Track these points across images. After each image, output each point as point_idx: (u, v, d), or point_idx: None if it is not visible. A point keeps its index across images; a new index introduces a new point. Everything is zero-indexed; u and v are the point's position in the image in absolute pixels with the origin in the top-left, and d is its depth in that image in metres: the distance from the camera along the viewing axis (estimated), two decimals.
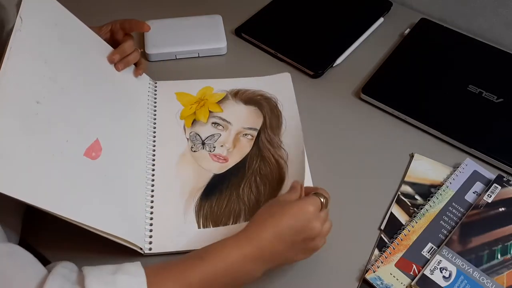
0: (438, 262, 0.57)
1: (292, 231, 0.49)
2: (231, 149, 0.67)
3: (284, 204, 0.51)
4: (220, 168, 0.66)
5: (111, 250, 0.56)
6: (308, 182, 0.65)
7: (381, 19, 0.89)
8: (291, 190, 0.55)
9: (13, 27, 0.50)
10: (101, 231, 0.51)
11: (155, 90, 0.75)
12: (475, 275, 0.56)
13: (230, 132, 0.69)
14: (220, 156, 0.66)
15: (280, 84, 0.77)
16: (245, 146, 0.68)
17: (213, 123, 0.70)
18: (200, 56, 0.82)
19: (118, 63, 0.68)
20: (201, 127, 0.70)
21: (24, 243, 0.55)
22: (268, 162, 0.66)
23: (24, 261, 0.42)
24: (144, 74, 0.74)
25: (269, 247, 0.49)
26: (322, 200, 0.52)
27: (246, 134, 0.69)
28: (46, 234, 0.58)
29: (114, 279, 0.43)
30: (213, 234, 0.60)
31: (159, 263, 0.48)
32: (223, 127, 0.69)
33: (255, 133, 0.69)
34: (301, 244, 0.50)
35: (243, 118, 0.71)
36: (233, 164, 0.66)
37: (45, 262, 0.57)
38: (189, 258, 0.48)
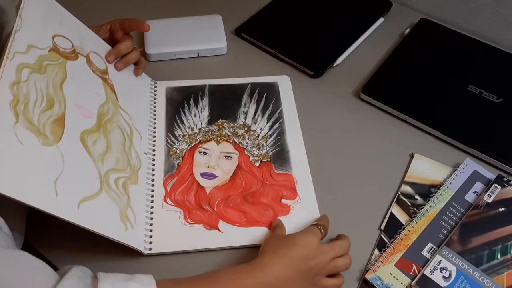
0: (438, 262, 0.57)
1: (301, 258, 0.52)
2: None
3: (290, 236, 0.55)
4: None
5: (112, 250, 0.56)
6: (308, 182, 0.65)
7: (381, 19, 0.89)
8: (279, 228, 0.59)
9: (12, 28, 0.50)
10: (100, 234, 0.51)
11: (155, 90, 0.75)
12: (475, 275, 0.56)
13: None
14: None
15: (279, 87, 0.77)
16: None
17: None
18: (200, 56, 0.82)
19: (117, 62, 0.68)
20: None
21: (25, 244, 0.55)
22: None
23: (35, 266, 0.43)
24: (144, 74, 0.74)
25: (281, 275, 0.50)
26: (322, 230, 0.56)
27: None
28: (47, 235, 0.58)
29: (126, 286, 0.45)
30: (213, 234, 0.60)
31: (170, 279, 0.49)
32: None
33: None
34: (309, 273, 0.52)
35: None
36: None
37: (46, 262, 0.58)
38: (202, 278, 0.50)
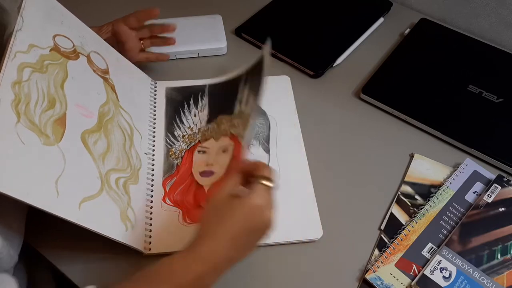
0: (438, 262, 0.57)
1: (248, 232, 0.46)
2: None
3: (232, 204, 0.46)
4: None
5: (111, 250, 0.56)
6: (308, 182, 0.65)
7: (381, 19, 0.89)
8: (229, 178, 0.49)
9: (14, 28, 0.50)
10: (101, 234, 0.51)
11: (155, 90, 0.75)
12: (475, 275, 0.56)
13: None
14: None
15: (279, 87, 0.77)
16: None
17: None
18: (200, 56, 0.82)
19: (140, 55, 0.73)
20: None
21: (25, 244, 0.55)
22: None
23: None
24: (144, 74, 0.74)
25: (225, 258, 0.45)
26: (266, 183, 0.47)
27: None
28: (47, 235, 0.58)
29: None
30: None
31: (113, 284, 0.44)
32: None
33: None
34: (258, 239, 0.47)
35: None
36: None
37: (45, 262, 0.58)
38: (135, 281, 0.44)
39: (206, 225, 0.46)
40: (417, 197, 0.65)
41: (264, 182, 0.47)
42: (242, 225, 0.45)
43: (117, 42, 0.69)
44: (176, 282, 0.43)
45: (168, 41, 0.76)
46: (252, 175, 0.48)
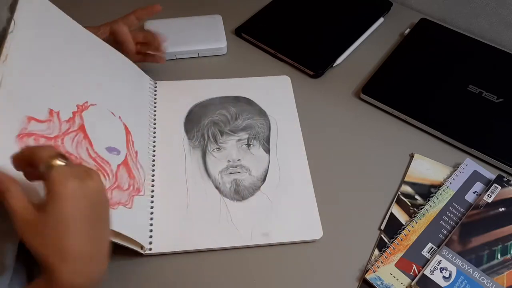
0: (438, 262, 0.57)
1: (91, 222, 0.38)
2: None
3: (41, 219, 0.37)
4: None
5: (111, 251, 0.56)
6: (308, 182, 0.65)
7: (381, 19, 0.89)
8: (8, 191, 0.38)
9: (4, 29, 0.50)
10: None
11: (155, 90, 0.75)
12: (475, 275, 0.56)
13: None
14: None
15: (279, 86, 0.77)
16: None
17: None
18: (200, 56, 0.82)
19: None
20: None
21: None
22: None
23: None
24: (144, 74, 0.74)
25: (74, 274, 0.37)
26: (60, 163, 0.38)
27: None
28: None
29: None
30: (214, 235, 0.60)
31: None
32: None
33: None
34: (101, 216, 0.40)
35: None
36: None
37: None
38: None
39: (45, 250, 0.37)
40: (417, 197, 0.65)
41: (58, 162, 0.38)
42: (73, 227, 0.37)
43: (115, 42, 0.69)
44: None
45: (156, 59, 0.74)
46: (34, 163, 0.38)
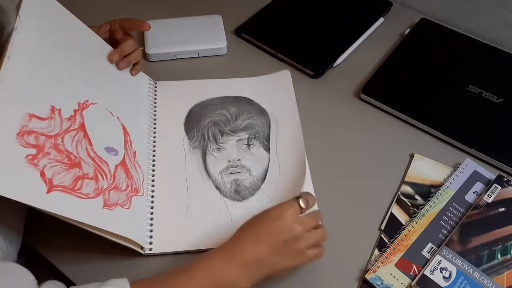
0: (438, 262, 0.57)
1: (270, 232, 0.50)
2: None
3: (263, 212, 0.52)
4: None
5: (111, 251, 0.56)
6: (308, 182, 0.65)
7: (381, 19, 0.89)
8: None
9: (13, 28, 0.50)
10: (104, 231, 0.51)
11: (155, 90, 0.75)
12: (475, 275, 0.56)
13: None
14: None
15: (280, 83, 0.77)
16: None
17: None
18: (200, 56, 0.82)
19: (119, 61, 0.67)
20: None
21: (25, 244, 0.55)
22: None
23: (19, 279, 0.44)
24: (144, 74, 0.74)
25: (251, 252, 0.49)
26: (300, 202, 0.52)
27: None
28: (47, 235, 0.58)
29: None
30: (213, 235, 0.60)
31: (144, 278, 0.49)
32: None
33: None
34: (283, 247, 0.50)
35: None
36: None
37: (45, 262, 0.58)
38: (176, 274, 0.49)
39: (241, 228, 0.52)
40: (417, 197, 0.65)
41: (299, 200, 0.52)
42: (266, 223, 0.50)
43: (114, 41, 0.69)
44: (210, 266, 0.49)
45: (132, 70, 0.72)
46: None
